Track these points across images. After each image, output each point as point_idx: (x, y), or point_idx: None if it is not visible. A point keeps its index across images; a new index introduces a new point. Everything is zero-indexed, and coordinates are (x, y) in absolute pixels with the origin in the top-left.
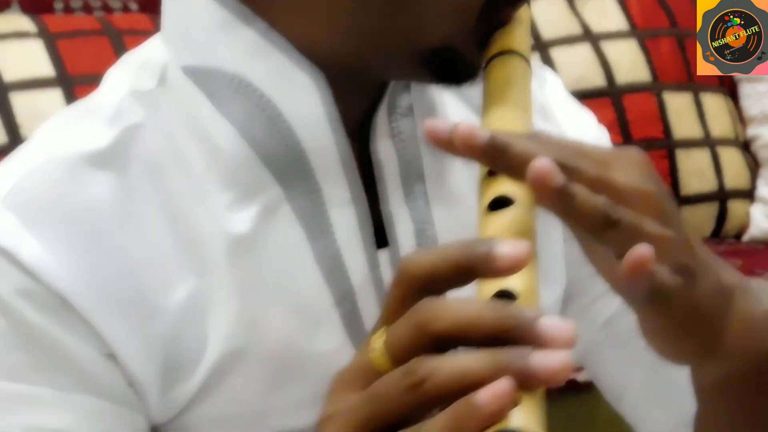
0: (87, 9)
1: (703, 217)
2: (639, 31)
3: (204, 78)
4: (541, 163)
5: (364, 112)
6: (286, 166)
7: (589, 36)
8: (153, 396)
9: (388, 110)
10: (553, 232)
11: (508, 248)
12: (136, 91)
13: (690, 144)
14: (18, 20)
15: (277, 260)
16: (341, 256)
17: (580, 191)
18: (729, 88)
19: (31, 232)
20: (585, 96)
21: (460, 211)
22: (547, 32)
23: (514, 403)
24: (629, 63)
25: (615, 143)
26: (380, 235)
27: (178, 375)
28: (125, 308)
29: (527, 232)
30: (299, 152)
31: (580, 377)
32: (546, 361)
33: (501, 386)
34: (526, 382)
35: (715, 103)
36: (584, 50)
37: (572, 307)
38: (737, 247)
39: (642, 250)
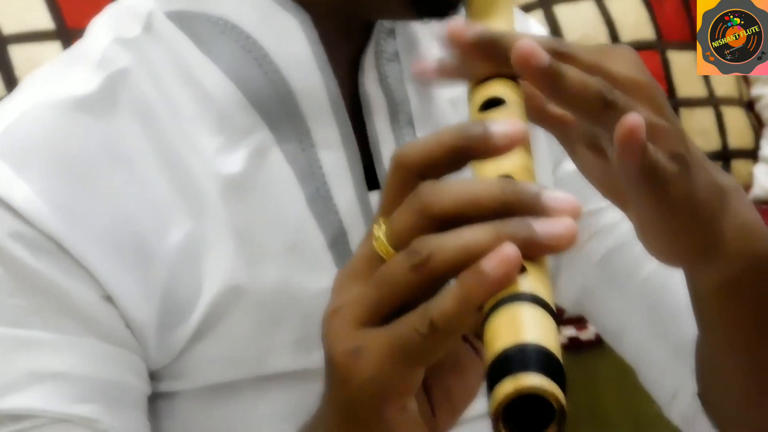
0: None
1: None
2: None
3: (189, 22)
4: (524, 43)
5: (351, 55)
6: (275, 108)
7: None
8: (151, 339)
9: (375, 55)
10: (543, 174)
11: (503, 126)
12: (120, 38)
13: (694, 103)
14: None
15: (268, 202)
16: (332, 197)
17: (571, 71)
18: None
19: (22, 177)
20: None
21: None
22: None
23: (521, 270)
24: (633, 21)
25: None
26: (371, 178)
27: (175, 317)
28: (121, 250)
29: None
30: (287, 93)
31: (584, 335)
32: (551, 226)
33: (506, 251)
34: (531, 250)
35: None
36: (588, 8)
37: None
38: None
39: (633, 117)
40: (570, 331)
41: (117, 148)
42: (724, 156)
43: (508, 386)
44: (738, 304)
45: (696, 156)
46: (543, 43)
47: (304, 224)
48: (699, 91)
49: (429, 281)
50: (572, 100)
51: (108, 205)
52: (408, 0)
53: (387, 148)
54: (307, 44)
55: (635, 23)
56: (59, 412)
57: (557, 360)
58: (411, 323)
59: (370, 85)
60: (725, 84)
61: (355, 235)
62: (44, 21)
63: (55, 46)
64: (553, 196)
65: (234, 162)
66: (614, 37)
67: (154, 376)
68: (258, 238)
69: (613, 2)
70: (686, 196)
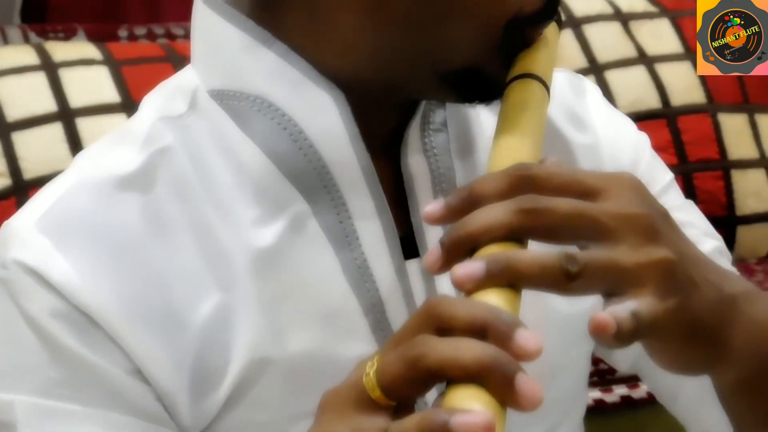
0: (151, 36)
1: (759, 236)
2: (694, 54)
3: (229, 100)
4: (460, 272)
5: (395, 127)
6: (310, 181)
7: (644, 58)
8: (183, 408)
9: (422, 126)
10: None
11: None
12: (165, 116)
13: (746, 164)
14: (84, 48)
15: (303, 272)
16: (369, 267)
17: (523, 255)
18: None
19: (61, 253)
20: (640, 118)
21: None
22: (602, 55)
23: None
24: (684, 85)
25: (670, 165)
26: (413, 247)
27: (206, 386)
28: (153, 324)
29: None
30: (322, 167)
31: (636, 394)
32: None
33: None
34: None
35: None
36: (639, 73)
37: None
38: None
39: (597, 320)
40: (622, 390)
41: (152, 223)
42: None
43: None
44: (759, 401)
45: (698, 274)
46: (520, 207)
47: (340, 293)
48: (751, 152)
49: None
50: (535, 283)
51: (142, 278)
52: (451, 87)
53: None
54: (340, 120)
55: (686, 87)
56: None
57: None
58: None
59: (413, 158)
60: None
61: (393, 304)
62: (110, 94)
63: (121, 118)
64: (525, 381)
65: (268, 235)
66: (665, 101)
67: None
68: (289, 308)
69: (663, 66)
70: (684, 323)
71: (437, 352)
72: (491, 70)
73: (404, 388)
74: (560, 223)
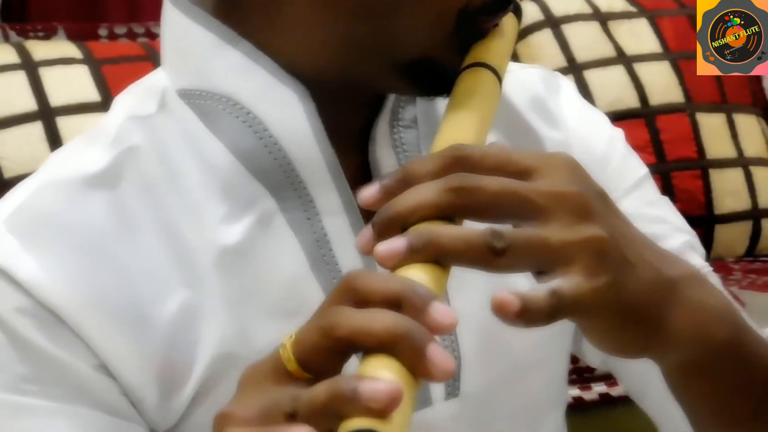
0: (131, 36)
1: (737, 235)
2: (672, 53)
3: (197, 99)
4: (382, 248)
5: (364, 123)
6: (277, 178)
7: (623, 58)
8: (151, 404)
9: (391, 122)
10: None
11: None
12: (134, 116)
13: (724, 164)
14: (64, 46)
15: (270, 269)
16: (336, 263)
17: (448, 230)
18: (762, 108)
19: (28, 252)
20: (619, 117)
21: None
22: (581, 55)
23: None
24: (663, 84)
25: (648, 164)
26: None
27: (173, 383)
28: (120, 320)
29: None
30: (288, 164)
31: (614, 392)
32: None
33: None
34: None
35: (748, 123)
36: (618, 72)
37: None
38: None
39: (497, 298)
40: (601, 388)
41: (119, 221)
42: (754, 215)
43: None
44: (700, 385)
45: (634, 255)
46: (449, 186)
47: (308, 289)
48: (728, 152)
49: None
50: (460, 259)
51: (108, 276)
52: (408, 77)
53: None
54: (305, 116)
55: (665, 87)
56: None
57: None
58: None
59: (382, 154)
60: (754, 144)
61: None
62: (91, 93)
63: (101, 116)
64: (436, 349)
65: (235, 232)
66: (644, 100)
67: None
68: (256, 304)
69: (642, 67)
70: (617, 302)
71: (349, 321)
72: (446, 61)
73: (318, 358)
74: (489, 202)
